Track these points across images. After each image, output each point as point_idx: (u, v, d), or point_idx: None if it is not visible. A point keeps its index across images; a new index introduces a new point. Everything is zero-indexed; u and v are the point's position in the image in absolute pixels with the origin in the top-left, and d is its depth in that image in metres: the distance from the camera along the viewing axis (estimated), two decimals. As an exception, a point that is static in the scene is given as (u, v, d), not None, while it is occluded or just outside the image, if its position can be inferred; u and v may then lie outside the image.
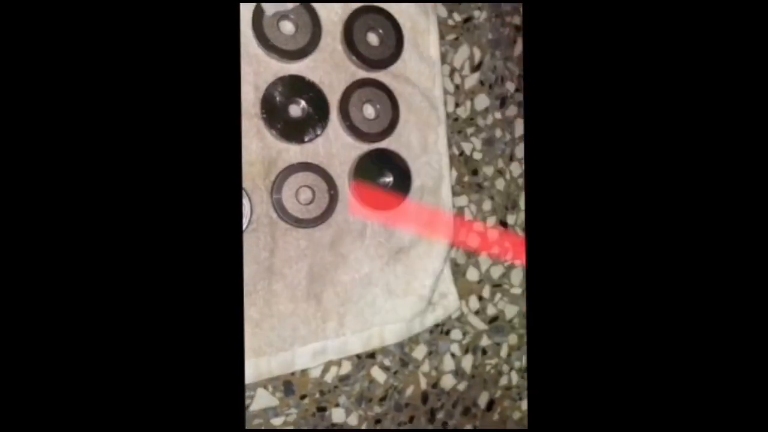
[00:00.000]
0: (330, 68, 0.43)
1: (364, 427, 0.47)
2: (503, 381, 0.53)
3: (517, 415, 0.54)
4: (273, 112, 0.41)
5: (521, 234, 0.52)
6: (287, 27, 0.41)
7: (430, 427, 0.49)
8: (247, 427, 0.42)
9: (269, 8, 0.39)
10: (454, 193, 0.49)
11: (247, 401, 0.42)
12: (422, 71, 0.47)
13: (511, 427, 0.53)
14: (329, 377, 0.46)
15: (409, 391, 0.49)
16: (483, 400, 0.52)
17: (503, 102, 0.51)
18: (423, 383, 0.50)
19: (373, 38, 0.44)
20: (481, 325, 0.52)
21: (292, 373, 0.44)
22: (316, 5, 0.42)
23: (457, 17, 0.49)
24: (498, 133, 0.51)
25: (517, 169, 0.52)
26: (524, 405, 0.55)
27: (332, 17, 0.43)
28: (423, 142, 0.47)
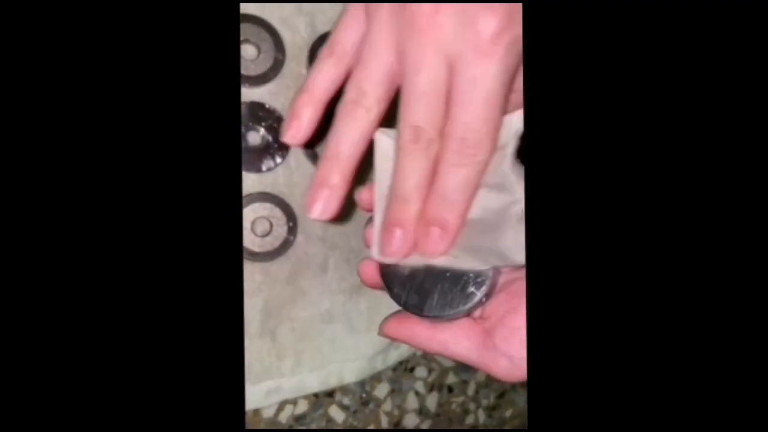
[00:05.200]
0: (293, 94, 0.41)
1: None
2: (469, 420, 0.51)
3: (483, 456, 0.52)
4: (230, 140, 0.39)
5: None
6: (249, 51, 0.39)
7: (391, 468, 0.48)
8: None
9: None
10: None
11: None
12: (391, 99, 0.45)
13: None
14: (284, 417, 0.44)
15: (369, 431, 0.47)
16: (447, 440, 0.50)
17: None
18: (384, 422, 0.48)
19: (340, 64, 0.42)
20: (447, 362, 0.50)
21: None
22: (280, 29, 0.40)
23: (432, 43, 0.48)
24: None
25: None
26: (491, 445, 0.53)
27: (297, 41, 0.41)
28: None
